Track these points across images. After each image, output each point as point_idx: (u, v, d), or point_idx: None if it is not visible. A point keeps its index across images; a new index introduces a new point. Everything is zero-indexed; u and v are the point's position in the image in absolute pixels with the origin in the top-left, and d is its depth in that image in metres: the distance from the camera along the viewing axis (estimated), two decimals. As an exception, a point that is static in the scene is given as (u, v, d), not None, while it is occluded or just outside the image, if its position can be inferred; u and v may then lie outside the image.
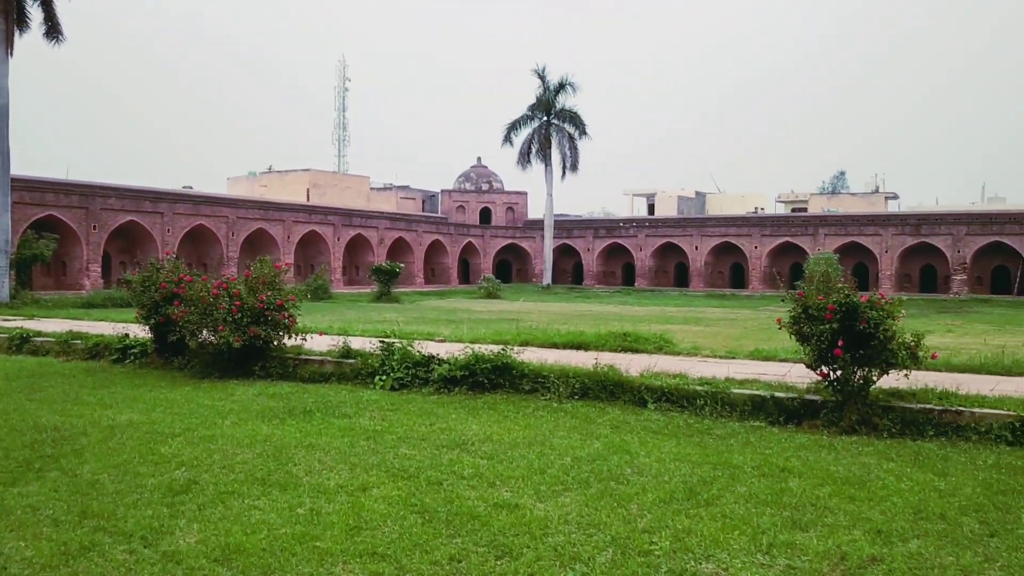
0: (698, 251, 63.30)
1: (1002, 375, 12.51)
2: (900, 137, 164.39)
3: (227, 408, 10.74)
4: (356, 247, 58.60)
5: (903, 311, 9.71)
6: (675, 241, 64.63)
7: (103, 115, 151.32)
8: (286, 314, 13.94)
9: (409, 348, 12.92)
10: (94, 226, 41.43)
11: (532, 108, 63.59)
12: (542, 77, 62.74)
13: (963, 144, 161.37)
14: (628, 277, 67.83)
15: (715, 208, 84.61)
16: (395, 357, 12.72)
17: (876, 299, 9.51)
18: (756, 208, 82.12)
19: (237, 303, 13.40)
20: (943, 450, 8.61)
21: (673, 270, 67.21)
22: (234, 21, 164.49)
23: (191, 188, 55.74)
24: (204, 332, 13.98)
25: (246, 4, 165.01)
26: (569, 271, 70.93)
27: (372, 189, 74.15)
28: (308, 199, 62.31)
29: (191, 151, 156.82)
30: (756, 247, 61.04)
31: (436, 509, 6.36)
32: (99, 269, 41.80)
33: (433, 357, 12.66)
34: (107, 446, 8.47)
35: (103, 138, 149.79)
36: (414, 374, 12.45)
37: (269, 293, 13.85)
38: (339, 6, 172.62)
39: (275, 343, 13.99)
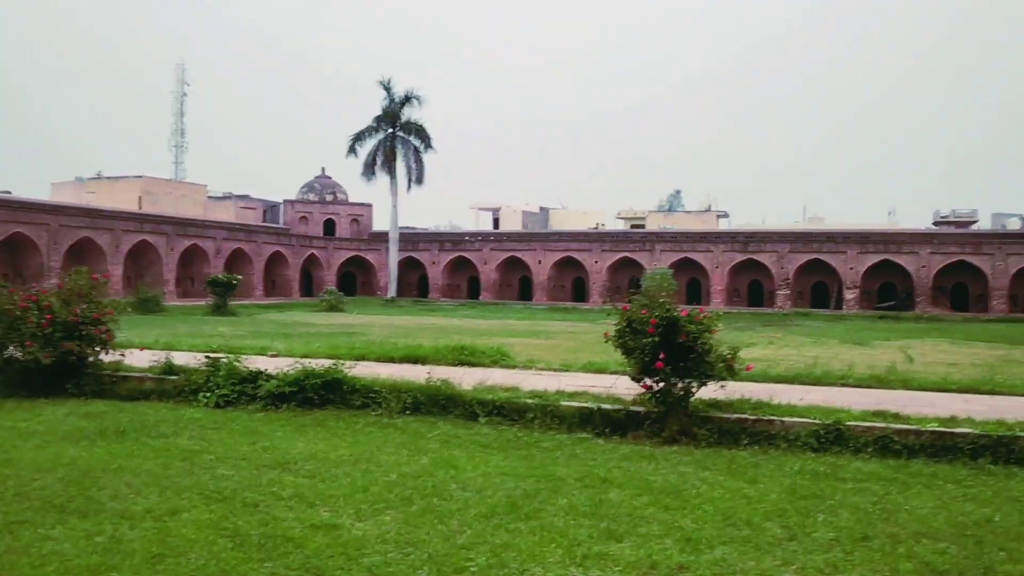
0: (542, 265, 64.40)
1: (812, 385, 13.30)
2: (731, 158, 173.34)
3: (31, 429, 10.00)
4: (192, 258, 56.21)
5: (720, 325, 10.16)
6: (519, 255, 65.51)
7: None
8: (103, 328, 13.16)
9: (236, 363, 12.45)
10: None
11: (378, 120, 63.09)
12: (388, 89, 62.41)
13: (788, 166, 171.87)
14: (473, 290, 68.16)
15: (558, 223, 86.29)
16: (221, 373, 12.23)
17: (695, 313, 9.90)
18: (597, 224, 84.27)
19: (48, 316, 12.55)
20: (755, 458, 9.04)
21: (517, 284, 68.05)
22: (64, 16, 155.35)
23: (9, 193, 51.98)
24: (11, 348, 13.02)
25: (78, 1, 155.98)
26: (414, 284, 70.57)
27: (210, 198, 71.51)
28: (140, 207, 59.37)
29: (11, 154, 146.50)
30: (597, 262, 62.71)
31: (249, 532, 6.11)
32: (-102, 279, 38.26)
33: (261, 372, 12.25)
34: None
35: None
36: (241, 391, 12.00)
37: (85, 306, 13.04)
38: (178, 6, 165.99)
39: (91, 359, 13.18)
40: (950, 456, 8.98)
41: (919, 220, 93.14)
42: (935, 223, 78.78)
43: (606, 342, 10.67)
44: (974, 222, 78.80)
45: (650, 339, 9.71)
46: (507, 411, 10.89)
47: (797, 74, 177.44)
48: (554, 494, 7.33)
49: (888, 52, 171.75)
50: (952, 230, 67.91)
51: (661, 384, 9.97)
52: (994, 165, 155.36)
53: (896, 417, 9.90)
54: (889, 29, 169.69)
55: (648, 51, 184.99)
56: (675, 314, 9.74)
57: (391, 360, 15.72)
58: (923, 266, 54.53)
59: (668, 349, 9.70)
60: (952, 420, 9.69)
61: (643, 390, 10.23)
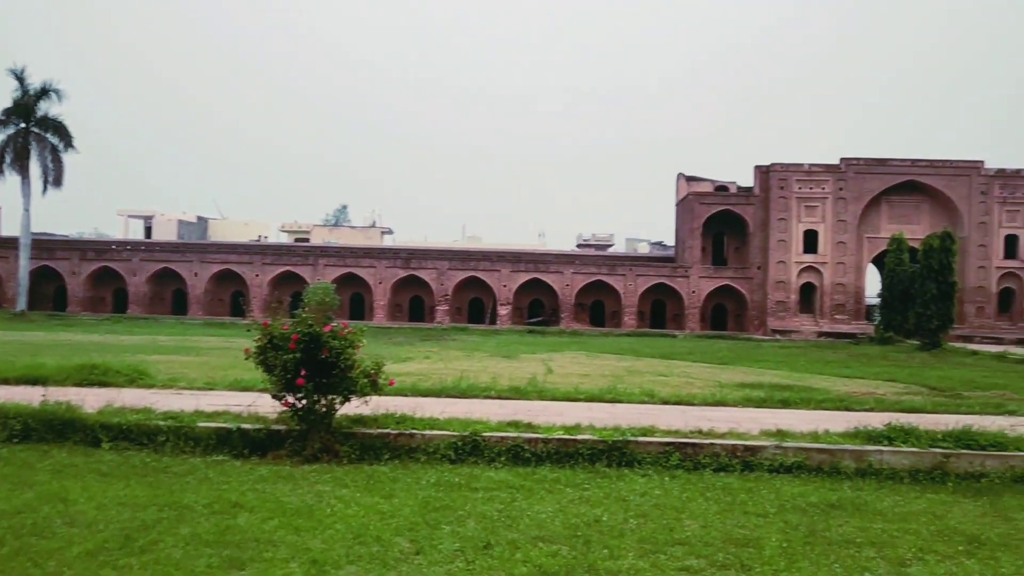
0: (198, 277, 61.11)
1: (458, 397, 13.78)
2: (396, 175, 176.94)
3: None
4: None
5: (364, 340, 10.11)
6: (174, 267, 61.65)
7: None
8: None
9: None
10: None
11: (7, 112, 56.18)
12: (20, 79, 55.81)
13: (448, 186, 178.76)
14: (120, 304, 62.98)
15: (218, 234, 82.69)
16: None
17: (339, 329, 9.78)
18: (260, 236, 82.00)
19: None
20: (394, 472, 9.10)
21: (171, 297, 63.99)
22: None
23: None
24: None
25: None
26: (50, 296, 63.74)
27: None
28: None
29: None
30: (258, 275, 60.78)
31: None
32: None
33: None
34: None
35: None
36: None
37: None
38: None
39: None
40: (572, 461, 9.67)
41: (565, 242, 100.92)
42: (578, 245, 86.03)
43: (247, 359, 10.23)
44: (610, 245, 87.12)
45: (291, 355, 9.46)
46: (136, 435, 10.05)
47: (459, 103, 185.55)
48: (177, 523, 6.83)
49: (550, 90, 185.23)
50: (592, 252, 74.52)
51: (303, 401, 9.74)
52: (627, 193, 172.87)
53: (528, 427, 10.50)
54: (542, 71, 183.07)
55: (317, 65, 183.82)
56: (317, 330, 9.57)
57: (5, 382, 13.97)
58: (567, 284, 59.13)
59: (311, 365, 9.50)
60: (576, 427, 10.48)
61: (285, 408, 9.93)
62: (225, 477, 8.67)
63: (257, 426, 10.20)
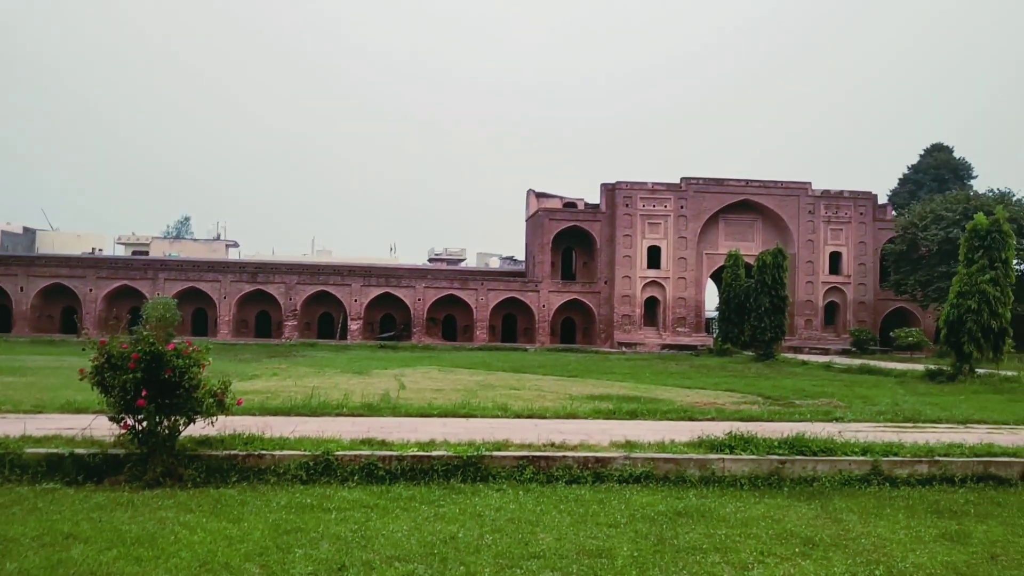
0: (24, 292, 57.27)
1: (309, 416, 13.47)
2: (242, 187, 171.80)
3: None
4: None
5: (210, 358, 9.73)
6: (-3, 281, 57.60)
7: None
8: None
9: None
10: None
11: None
12: None
13: (297, 198, 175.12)
14: (-68, 321, 58.26)
15: (47, 247, 77.82)
16: None
17: (183, 347, 9.37)
18: (95, 249, 77.88)
19: None
20: (243, 495, 8.77)
21: (-8, 313, 59.70)
22: None
23: None
24: None
25: None
26: None
27: None
28: None
29: None
30: (92, 290, 57.53)
31: None
32: None
33: None
34: None
35: None
36: None
37: None
38: None
39: None
40: (427, 478, 9.62)
41: (417, 256, 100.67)
42: (430, 260, 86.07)
43: (81, 380, 9.64)
44: (462, 260, 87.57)
45: (131, 375, 8.97)
46: (-47, 464, 9.28)
47: (307, 108, 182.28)
48: (2, 559, 6.35)
49: (382, 106, 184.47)
50: (444, 267, 74.69)
51: (144, 423, 9.26)
52: (479, 209, 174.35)
53: (382, 444, 10.37)
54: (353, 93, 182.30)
55: (154, 67, 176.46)
56: (160, 348, 9.13)
57: None
58: (419, 299, 58.97)
59: (152, 385, 9.05)
60: (431, 444, 10.42)
61: (124, 431, 9.40)
62: (56, 506, 8.13)
63: (92, 451, 9.62)
